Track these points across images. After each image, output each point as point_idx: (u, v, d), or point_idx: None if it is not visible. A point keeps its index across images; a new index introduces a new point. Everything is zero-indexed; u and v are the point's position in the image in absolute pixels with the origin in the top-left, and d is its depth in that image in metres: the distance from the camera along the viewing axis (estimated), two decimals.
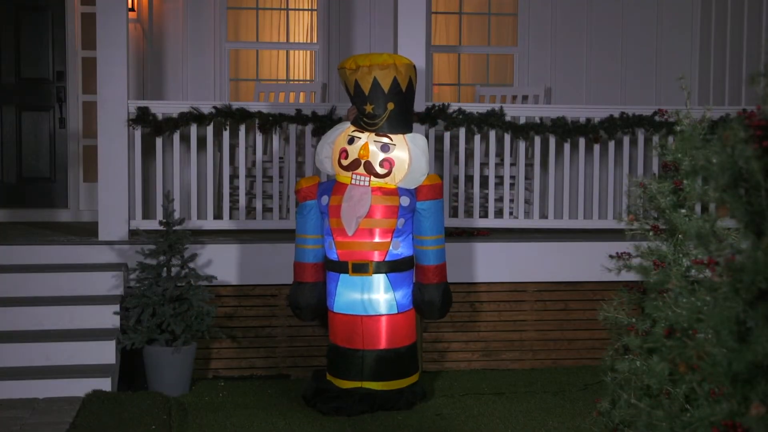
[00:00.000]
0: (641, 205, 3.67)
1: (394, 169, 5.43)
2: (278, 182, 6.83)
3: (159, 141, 6.54)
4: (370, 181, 5.42)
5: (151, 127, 6.47)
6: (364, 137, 5.44)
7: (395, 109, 5.45)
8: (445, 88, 9.03)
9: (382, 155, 5.42)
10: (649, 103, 8.26)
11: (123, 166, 6.41)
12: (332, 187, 5.53)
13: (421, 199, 5.50)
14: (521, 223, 7.00)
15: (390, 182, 5.45)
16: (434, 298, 5.55)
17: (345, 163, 5.45)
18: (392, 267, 5.47)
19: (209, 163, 6.65)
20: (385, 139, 5.44)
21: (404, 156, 5.44)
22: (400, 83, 5.45)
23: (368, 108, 5.44)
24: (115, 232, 6.39)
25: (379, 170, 5.41)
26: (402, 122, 5.51)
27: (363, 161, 5.40)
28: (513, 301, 6.68)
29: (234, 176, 7.24)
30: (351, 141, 5.46)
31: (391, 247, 5.45)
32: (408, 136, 5.51)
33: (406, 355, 5.60)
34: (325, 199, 5.51)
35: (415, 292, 5.61)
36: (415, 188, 5.51)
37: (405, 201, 5.45)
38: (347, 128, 5.54)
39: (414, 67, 5.59)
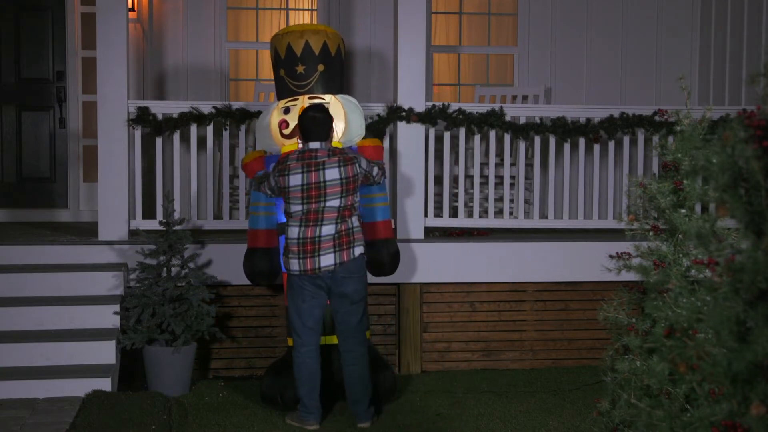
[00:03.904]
0: (641, 205, 3.67)
1: (334, 125, 5.59)
2: None
3: (159, 141, 6.54)
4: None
5: (151, 127, 6.47)
6: (299, 102, 5.64)
7: (325, 70, 5.78)
8: (445, 88, 9.03)
9: None
10: (649, 103, 8.25)
11: (123, 166, 6.41)
12: (278, 157, 5.61)
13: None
14: (521, 223, 7.00)
15: (334, 138, 5.63)
16: (382, 253, 5.71)
17: (287, 132, 5.63)
18: None
19: (209, 163, 6.65)
20: (319, 100, 5.68)
21: (339, 111, 5.68)
22: (329, 47, 5.79)
23: (299, 69, 5.72)
24: (115, 232, 6.39)
25: None
26: (333, 84, 5.82)
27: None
28: (513, 301, 6.68)
29: (234, 176, 7.24)
30: (287, 111, 5.64)
31: None
32: (339, 95, 5.77)
33: None
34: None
35: (366, 250, 5.71)
36: (358, 149, 5.73)
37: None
38: (278, 104, 5.75)
39: (342, 39, 5.96)
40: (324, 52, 5.77)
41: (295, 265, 5.13)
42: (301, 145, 5.32)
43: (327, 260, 5.11)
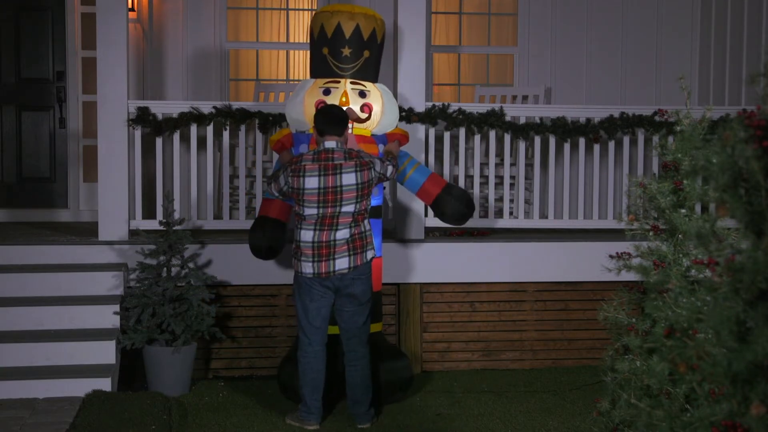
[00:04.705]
0: (641, 205, 3.67)
1: (372, 114, 5.57)
2: None
3: (159, 141, 6.54)
4: (353, 128, 5.52)
5: (151, 127, 6.47)
6: (341, 86, 5.55)
7: (370, 57, 5.67)
8: (445, 88, 9.03)
9: (361, 100, 5.56)
10: (649, 103, 8.25)
11: (123, 166, 6.41)
12: (310, 137, 5.55)
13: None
14: (521, 223, 7.00)
15: (369, 127, 5.59)
16: (450, 200, 5.72)
17: None
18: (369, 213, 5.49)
19: (209, 163, 6.64)
20: (360, 86, 5.60)
21: (378, 101, 5.62)
22: (377, 34, 5.68)
23: (345, 51, 5.60)
24: (115, 232, 6.39)
25: (361, 115, 5.55)
26: (372, 72, 5.72)
27: (345, 108, 5.47)
28: (513, 301, 6.68)
29: (234, 176, 7.24)
30: (327, 92, 5.55)
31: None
32: (377, 84, 5.71)
33: (375, 301, 5.63)
34: (303, 147, 5.55)
35: (435, 211, 5.80)
36: (387, 138, 5.69)
37: (382, 148, 5.59)
38: (315, 82, 5.63)
39: (385, 26, 5.86)
40: (372, 38, 5.64)
41: (308, 268, 5.10)
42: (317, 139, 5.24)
43: (342, 264, 5.09)
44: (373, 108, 5.57)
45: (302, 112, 5.57)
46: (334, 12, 5.63)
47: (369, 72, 5.67)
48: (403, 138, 5.77)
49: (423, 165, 5.83)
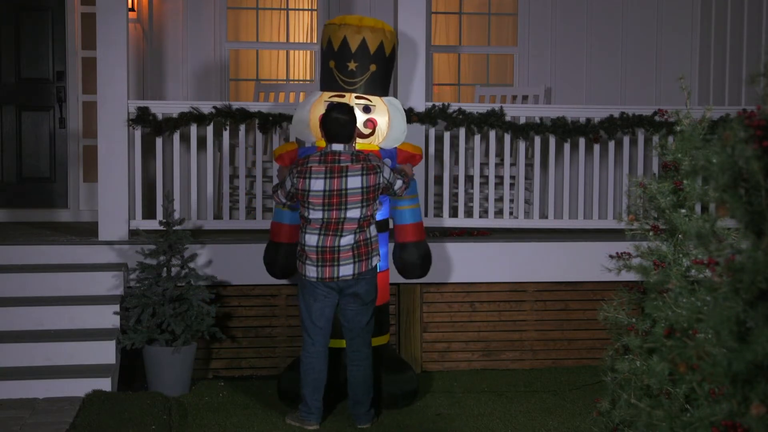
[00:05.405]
0: (641, 205, 3.67)
1: (377, 129, 5.53)
2: None
3: (159, 141, 6.54)
4: (356, 143, 5.46)
5: (151, 127, 6.47)
6: (346, 101, 5.50)
7: (377, 71, 5.58)
8: (445, 88, 9.03)
9: (364, 116, 5.51)
10: (649, 103, 8.25)
11: (123, 166, 6.41)
12: (314, 150, 5.52)
13: (400, 162, 5.63)
14: (521, 223, 7.00)
15: (373, 142, 5.54)
16: (413, 256, 5.67)
17: None
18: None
19: (209, 163, 6.65)
20: (365, 101, 5.54)
21: (384, 116, 5.56)
22: (385, 47, 5.58)
23: (351, 65, 5.53)
24: (115, 232, 6.39)
25: (364, 131, 5.49)
26: (380, 85, 5.63)
27: None
28: (513, 301, 6.68)
29: (234, 176, 7.24)
30: None
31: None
32: (384, 98, 5.63)
33: (382, 313, 5.66)
34: None
35: (395, 252, 5.72)
36: (397, 152, 5.64)
37: (387, 163, 5.53)
38: (321, 95, 5.59)
39: (397, 38, 5.73)
40: (379, 51, 5.54)
41: (312, 272, 5.09)
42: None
43: (346, 270, 5.08)
44: (378, 123, 5.51)
45: (308, 126, 5.56)
46: (341, 25, 5.57)
47: (376, 86, 5.58)
48: (416, 158, 5.70)
49: (420, 209, 5.79)
